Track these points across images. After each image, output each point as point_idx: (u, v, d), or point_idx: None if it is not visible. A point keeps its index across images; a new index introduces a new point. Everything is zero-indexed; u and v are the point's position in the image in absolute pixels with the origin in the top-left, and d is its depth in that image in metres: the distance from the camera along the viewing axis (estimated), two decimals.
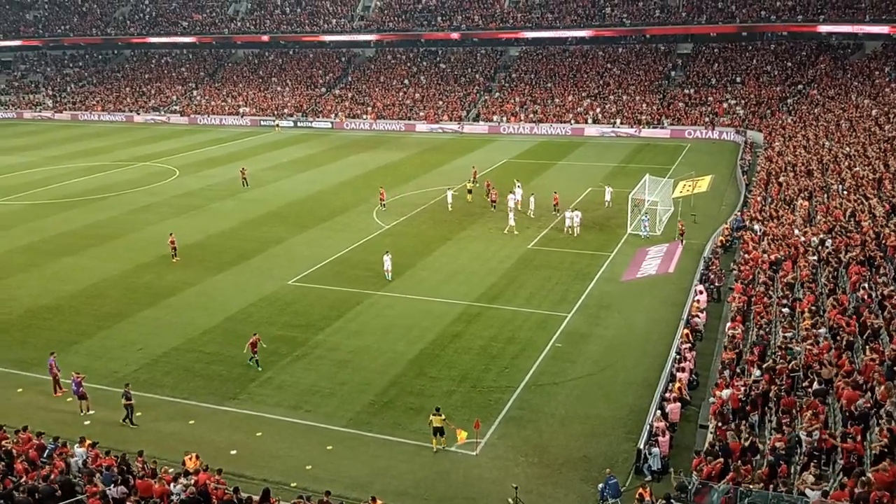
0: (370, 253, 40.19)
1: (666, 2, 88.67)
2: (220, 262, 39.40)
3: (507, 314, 31.80)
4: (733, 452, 18.33)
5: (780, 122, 68.62)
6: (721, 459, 18.12)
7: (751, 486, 16.60)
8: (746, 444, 18.61)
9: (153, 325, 31.71)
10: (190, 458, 20.12)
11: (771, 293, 28.99)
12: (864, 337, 21.94)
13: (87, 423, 24.09)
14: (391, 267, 35.83)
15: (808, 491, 15.41)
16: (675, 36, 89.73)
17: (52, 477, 17.71)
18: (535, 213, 46.63)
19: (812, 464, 16.86)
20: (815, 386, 20.04)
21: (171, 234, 40.75)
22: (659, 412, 21.97)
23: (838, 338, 22.28)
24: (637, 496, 17.93)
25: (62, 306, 34.10)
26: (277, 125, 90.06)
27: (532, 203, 46.98)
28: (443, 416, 22.00)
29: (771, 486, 16.60)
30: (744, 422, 20.22)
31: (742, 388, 21.51)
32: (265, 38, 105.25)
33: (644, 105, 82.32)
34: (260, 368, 27.17)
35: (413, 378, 26.47)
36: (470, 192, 51.48)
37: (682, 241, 40.43)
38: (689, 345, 26.41)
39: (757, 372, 22.07)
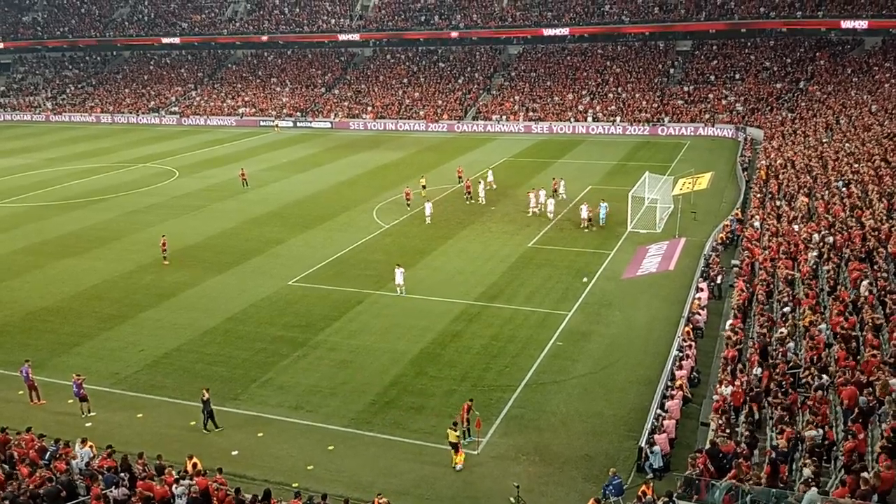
0: (370, 252, 40.20)
1: None
2: (220, 263, 39.40)
3: (508, 313, 31.79)
4: (725, 454, 18.35)
5: (779, 118, 68.57)
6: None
7: (748, 485, 16.56)
8: (738, 448, 18.60)
9: (154, 326, 31.73)
10: (191, 462, 20.09)
11: (772, 290, 28.97)
12: (865, 333, 21.90)
13: (88, 424, 24.14)
14: (403, 281, 33.81)
15: (807, 494, 15.33)
16: (674, 33, 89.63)
17: (53, 479, 17.71)
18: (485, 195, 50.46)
19: (812, 460, 16.83)
20: (817, 382, 20.02)
21: (163, 236, 40.68)
22: (661, 411, 21.97)
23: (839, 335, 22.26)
24: (640, 493, 17.93)
25: (63, 308, 34.12)
26: (277, 125, 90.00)
27: (482, 189, 50.75)
28: (458, 433, 21.28)
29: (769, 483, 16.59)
30: (739, 421, 20.20)
31: (741, 386, 21.50)
32: (264, 38, 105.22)
33: (644, 102, 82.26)
34: (468, 440, 22.32)
35: (414, 377, 26.47)
36: (424, 186, 51.72)
37: (591, 227, 42.35)
38: (690, 342, 26.41)
39: (757, 370, 22.06)
